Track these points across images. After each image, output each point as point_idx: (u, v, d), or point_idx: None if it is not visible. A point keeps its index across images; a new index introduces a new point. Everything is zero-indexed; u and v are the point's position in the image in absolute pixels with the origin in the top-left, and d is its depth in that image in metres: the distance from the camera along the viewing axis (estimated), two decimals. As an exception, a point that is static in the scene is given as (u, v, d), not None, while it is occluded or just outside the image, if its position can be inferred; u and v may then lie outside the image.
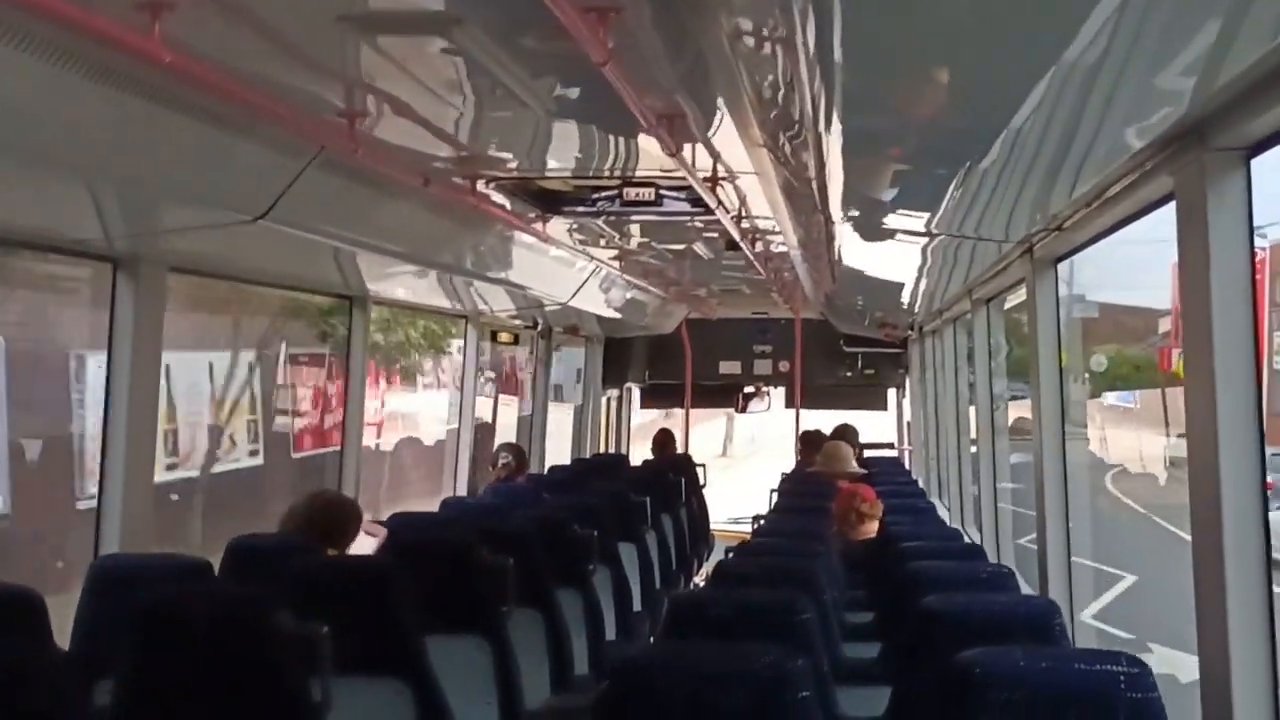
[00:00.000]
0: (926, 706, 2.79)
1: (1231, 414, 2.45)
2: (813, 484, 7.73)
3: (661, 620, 7.96)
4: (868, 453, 10.59)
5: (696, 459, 11.07)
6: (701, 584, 9.38)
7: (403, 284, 7.11)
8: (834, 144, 3.06)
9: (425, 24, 3.08)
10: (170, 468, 9.07)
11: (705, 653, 2.59)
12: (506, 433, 10.69)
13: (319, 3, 2.94)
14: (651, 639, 7.21)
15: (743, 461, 26.02)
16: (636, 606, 7.10)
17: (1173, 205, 2.73)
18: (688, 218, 5.99)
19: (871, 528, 6.21)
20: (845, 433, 10.13)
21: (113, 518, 4.74)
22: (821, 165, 3.47)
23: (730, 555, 4.62)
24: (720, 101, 3.68)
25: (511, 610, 4.75)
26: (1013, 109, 2.72)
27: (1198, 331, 2.52)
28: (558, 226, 6.36)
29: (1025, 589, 4.56)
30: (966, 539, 6.36)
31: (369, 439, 11.16)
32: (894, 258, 6.25)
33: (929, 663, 3.00)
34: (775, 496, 8.01)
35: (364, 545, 5.40)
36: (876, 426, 13.21)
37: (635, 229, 6.94)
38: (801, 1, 2.04)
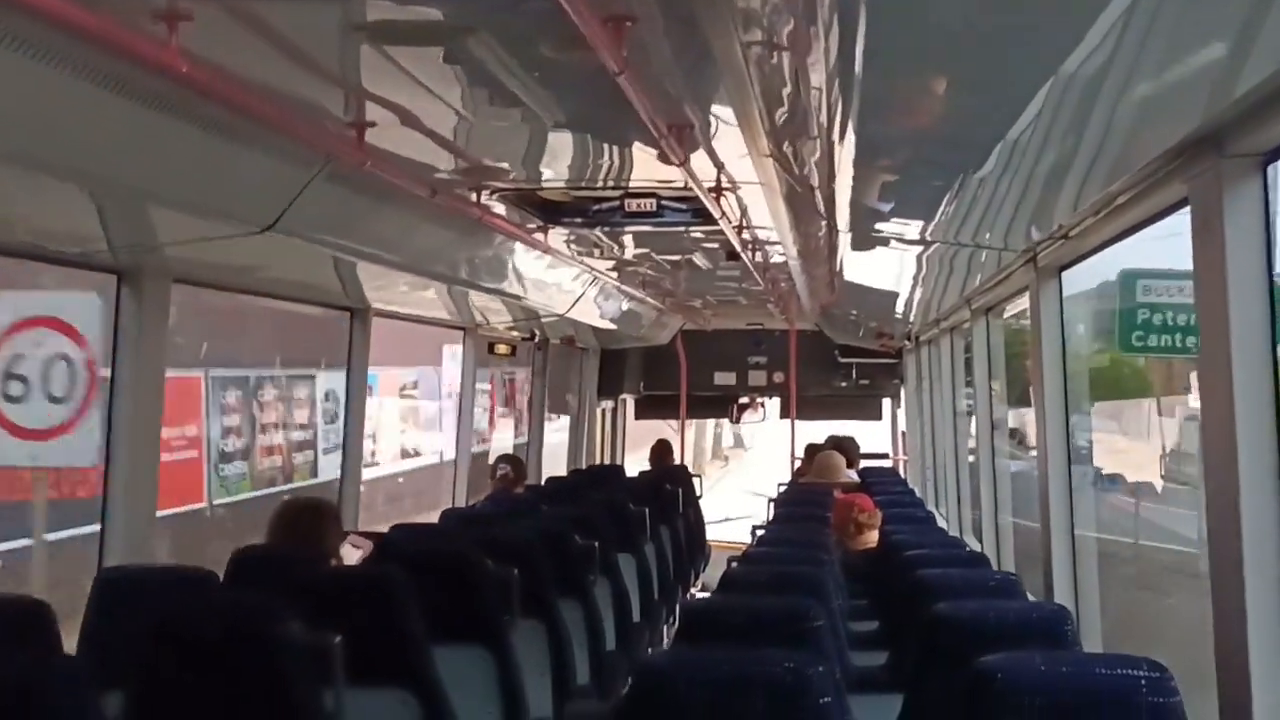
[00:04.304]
0: (943, 713, 2.79)
1: (1250, 420, 2.46)
2: (810, 494, 7.74)
3: (662, 630, 7.98)
4: (864, 463, 10.63)
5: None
6: (699, 595, 9.38)
7: (404, 295, 7.11)
8: (846, 152, 3.08)
9: (440, 34, 3.09)
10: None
11: (725, 658, 2.60)
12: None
13: (336, 14, 2.95)
14: (650, 650, 7.21)
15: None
16: (635, 617, 7.10)
17: (1186, 210, 2.75)
18: (686, 228, 6.01)
19: (871, 537, 6.21)
20: (841, 444, 10.16)
21: (117, 530, 4.73)
22: (831, 173, 3.50)
23: (734, 564, 4.62)
24: (729, 111, 3.70)
25: (515, 621, 4.75)
26: (1018, 116, 2.75)
27: (1215, 339, 2.54)
28: (558, 237, 6.37)
29: (1030, 596, 4.58)
30: (967, 548, 6.36)
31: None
32: (893, 266, 6.29)
33: (942, 669, 3.01)
34: (773, 507, 8.02)
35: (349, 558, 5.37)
36: (872, 436, 13.24)
37: (632, 239, 6.96)
38: (825, 12, 2.06)
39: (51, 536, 8.14)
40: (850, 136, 2.90)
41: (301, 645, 3.35)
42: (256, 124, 3.53)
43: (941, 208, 4.18)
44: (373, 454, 12.58)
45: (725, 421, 20.07)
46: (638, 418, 14.03)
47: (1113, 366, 10.97)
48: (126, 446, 4.74)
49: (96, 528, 4.82)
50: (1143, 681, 2.23)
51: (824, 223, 5.02)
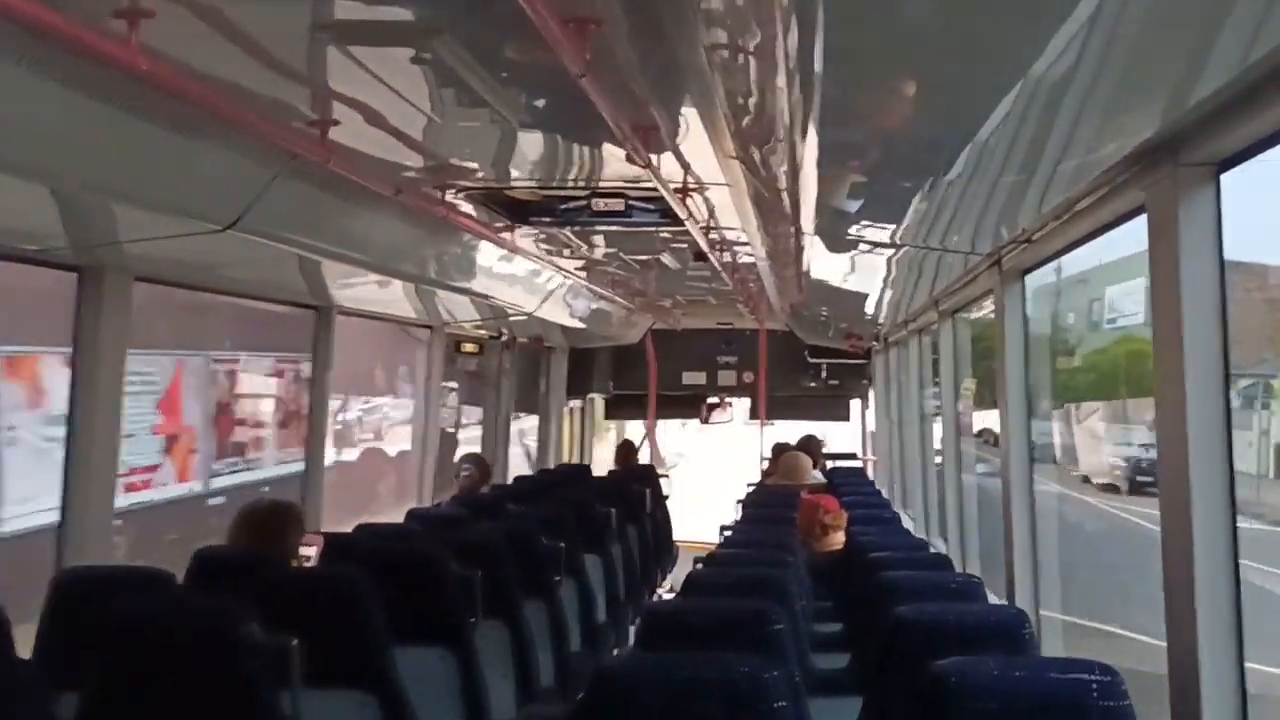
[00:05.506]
0: (900, 716, 2.80)
1: (1202, 424, 2.48)
2: (777, 495, 7.74)
3: (628, 631, 7.96)
4: (831, 463, 10.65)
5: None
6: (666, 595, 9.38)
7: (369, 294, 7.09)
8: (809, 154, 3.09)
9: (404, 34, 3.08)
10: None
11: (682, 663, 2.59)
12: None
13: (298, 11, 2.93)
14: (616, 650, 7.20)
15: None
16: (601, 618, 7.09)
17: (1143, 218, 2.76)
18: (655, 228, 6.00)
19: (837, 539, 6.22)
20: (809, 444, 10.18)
21: (75, 531, 4.68)
22: (795, 176, 3.50)
23: (699, 566, 4.62)
24: (694, 113, 3.69)
25: (478, 622, 4.73)
26: (983, 122, 2.75)
27: (1169, 344, 2.56)
28: (525, 236, 6.36)
29: (992, 598, 4.60)
30: (932, 549, 6.39)
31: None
32: (861, 268, 6.29)
33: (901, 672, 3.01)
34: (740, 508, 8.03)
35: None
36: (840, 437, 13.28)
37: (602, 239, 6.95)
38: (784, 13, 2.06)
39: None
40: (813, 140, 2.90)
41: (259, 647, 3.33)
42: (218, 121, 3.51)
43: (909, 212, 4.19)
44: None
45: (641, 427, 18.19)
46: (607, 417, 14.03)
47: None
48: (87, 448, 4.70)
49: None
50: (1094, 686, 2.25)
51: (791, 226, 5.02)
